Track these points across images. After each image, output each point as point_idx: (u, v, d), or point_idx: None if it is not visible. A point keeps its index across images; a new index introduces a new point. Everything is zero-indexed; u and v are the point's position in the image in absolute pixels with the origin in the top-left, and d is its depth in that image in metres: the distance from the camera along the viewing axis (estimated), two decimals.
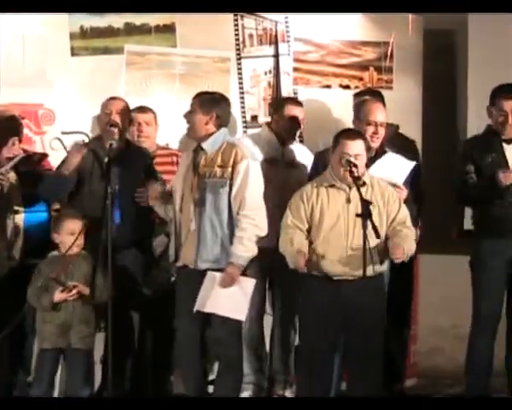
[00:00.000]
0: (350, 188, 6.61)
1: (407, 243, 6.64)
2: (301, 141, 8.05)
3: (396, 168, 7.10)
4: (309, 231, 6.73)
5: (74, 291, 6.67)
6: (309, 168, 7.52)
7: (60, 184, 7.14)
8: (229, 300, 6.93)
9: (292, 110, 7.70)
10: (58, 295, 6.65)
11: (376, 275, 6.56)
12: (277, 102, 8.03)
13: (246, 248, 6.68)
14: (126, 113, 7.35)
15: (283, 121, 7.68)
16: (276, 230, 6.83)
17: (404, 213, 6.77)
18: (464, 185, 7.30)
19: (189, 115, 6.87)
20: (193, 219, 6.81)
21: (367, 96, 7.72)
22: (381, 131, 7.12)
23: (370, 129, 7.06)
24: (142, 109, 7.67)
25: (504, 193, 7.18)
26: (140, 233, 6.92)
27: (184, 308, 6.77)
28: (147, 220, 6.94)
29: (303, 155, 7.65)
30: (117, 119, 7.21)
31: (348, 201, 6.62)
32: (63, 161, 7.15)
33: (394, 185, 7.00)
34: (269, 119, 8.08)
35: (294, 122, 7.69)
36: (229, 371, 6.91)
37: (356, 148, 6.62)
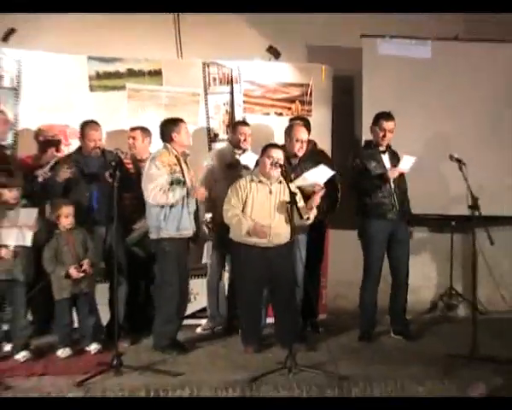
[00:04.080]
0: (271, 183, 6.89)
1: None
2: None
3: (321, 174, 7.16)
4: (242, 211, 6.91)
5: (82, 273, 6.81)
6: None
7: (57, 185, 7.15)
8: None
9: (241, 129, 7.81)
10: (72, 271, 6.76)
11: (287, 243, 6.72)
12: (233, 125, 8.11)
13: None
14: (101, 133, 7.45)
15: (237, 137, 7.78)
16: None
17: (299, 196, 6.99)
18: (356, 181, 7.55)
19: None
20: (194, 204, 7.05)
21: (297, 121, 7.84)
22: (304, 146, 7.37)
23: (298, 144, 7.33)
24: (133, 129, 7.73)
25: (383, 186, 7.43)
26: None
27: (178, 264, 6.89)
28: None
29: (254, 159, 7.67)
30: (98, 143, 7.32)
31: (270, 192, 6.91)
32: (55, 171, 7.17)
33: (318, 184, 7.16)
34: (226, 136, 8.27)
35: (244, 137, 7.77)
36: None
37: (280, 154, 6.90)
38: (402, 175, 7.57)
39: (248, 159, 7.73)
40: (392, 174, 7.40)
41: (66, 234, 6.94)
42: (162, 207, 6.84)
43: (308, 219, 6.99)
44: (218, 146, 8.29)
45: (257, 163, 7.46)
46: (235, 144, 7.82)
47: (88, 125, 7.40)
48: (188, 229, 6.94)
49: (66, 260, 6.85)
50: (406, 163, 7.44)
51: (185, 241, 7.01)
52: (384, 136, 7.54)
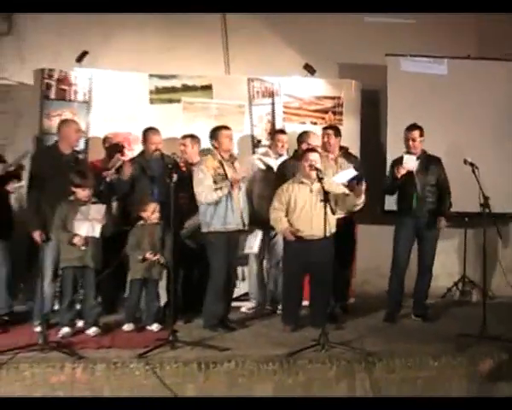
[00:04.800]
0: (311, 183, 6.87)
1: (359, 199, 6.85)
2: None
3: (346, 175, 7.30)
4: (286, 210, 6.92)
5: (157, 257, 6.96)
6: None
7: (123, 184, 7.33)
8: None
9: (279, 137, 7.87)
10: (148, 256, 6.94)
11: (329, 236, 6.67)
12: (272, 133, 8.19)
13: None
14: (161, 138, 7.54)
15: (275, 144, 7.86)
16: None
17: (343, 190, 7.02)
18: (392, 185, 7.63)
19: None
20: (240, 201, 7.05)
21: (327, 130, 7.82)
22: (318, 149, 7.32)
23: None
24: (184, 137, 7.70)
25: (409, 188, 7.45)
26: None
27: (225, 252, 6.98)
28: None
29: None
30: (159, 146, 7.43)
31: (311, 191, 6.90)
32: (121, 170, 7.32)
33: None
34: (268, 142, 8.22)
35: (281, 143, 7.83)
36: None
37: (316, 157, 6.91)
38: (430, 175, 7.54)
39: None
40: (398, 173, 7.37)
41: (149, 227, 7.10)
42: (209, 205, 6.92)
43: (356, 205, 6.93)
44: (260, 151, 8.29)
45: (282, 164, 7.61)
46: (274, 150, 7.88)
47: (150, 131, 7.52)
48: (232, 224, 6.96)
49: (144, 247, 7.01)
50: (409, 162, 7.42)
51: (232, 234, 7.02)
52: (409, 144, 7.56)
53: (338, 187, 6.99)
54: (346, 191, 6.99)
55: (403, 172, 7.38)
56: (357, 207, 6.96)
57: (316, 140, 7.57)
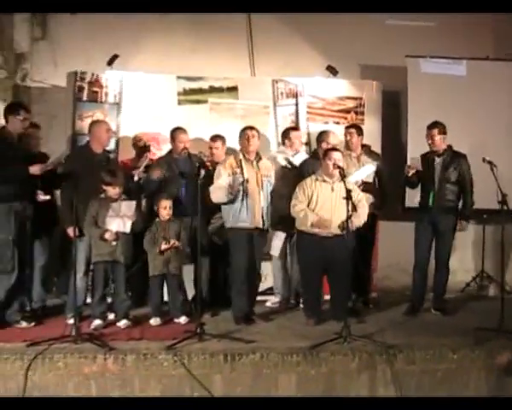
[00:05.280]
0: (333, 182, 6.87)
1: (362, 216, 6.94)
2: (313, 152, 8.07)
3: (365, 171, 7.41)
4: (308, 204, 6.90)
5: (171, 245, 6.98)
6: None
7: (152, 182, 7.32)
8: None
9: (294, 134, 7.85)
10: (163, 247, 6.95)
11: (348, 233, 6.58)
12: (284, 131, 8.01)
13: None
14: (188, 137, 7.50)
15: (290, 141, 7.82)
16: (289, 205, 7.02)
17: (361, 195, 7.02)
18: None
19: (256, 139, 7.13)
20: (261, 200, 7.04)
21: (349, 129, 7.88)
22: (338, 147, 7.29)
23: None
24: (214, 139, 7.70)
25: (428, 185, 7.46)
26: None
27: (245, 250, 6.97)
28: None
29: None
30: (187, 145, 7.38)
31: (332, 190, 6.90)
32: (150, 170, 7.34)
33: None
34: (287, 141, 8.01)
35: (298, 140, 7.84)
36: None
37: (339, 156, 6.92)
38: (451, 172, 7.48)
39: (301, 159, 7.76)
40: (407, 172, 7.41)
41: (163, 223, 7.10)
42: (225, 203, 7.00)
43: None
44: (278, 150, 8.18)
45: (302, 163, 7.60)
46: (292, 147, 7.82)
47: (178, 130, 7.51)
48: (246, 222, 6.97)
49: (159, 243, 7.01)
50: (413, 163, 7.45)
51: (254, 231, 7.04)
52: (429, 142, 7.55)
53: (357, 193, 7.01)
54: (364, 201, 7.06)
55: (411, 171, 7.39)
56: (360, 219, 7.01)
57: (335, 139, 7.58)
